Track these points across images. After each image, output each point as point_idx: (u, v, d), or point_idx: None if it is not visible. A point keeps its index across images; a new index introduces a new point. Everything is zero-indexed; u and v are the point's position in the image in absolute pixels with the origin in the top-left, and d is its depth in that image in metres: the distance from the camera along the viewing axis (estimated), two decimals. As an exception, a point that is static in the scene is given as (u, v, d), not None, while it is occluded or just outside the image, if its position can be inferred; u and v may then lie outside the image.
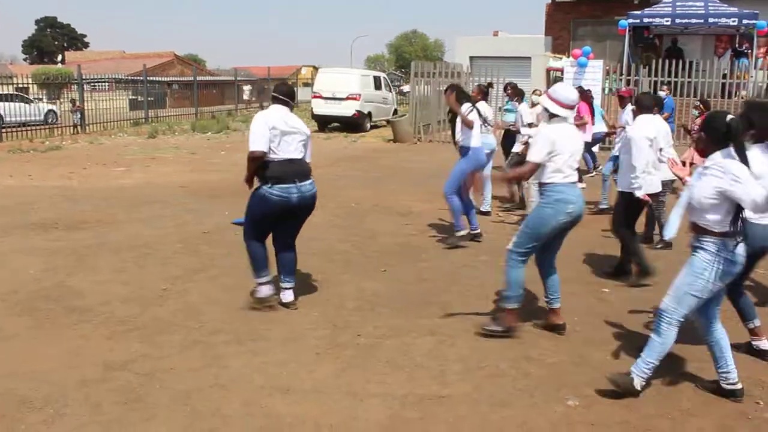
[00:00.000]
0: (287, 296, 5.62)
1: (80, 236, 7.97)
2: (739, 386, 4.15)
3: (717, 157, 3.87)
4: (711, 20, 19.08)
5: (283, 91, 5.50)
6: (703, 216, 3.89)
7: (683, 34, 21.38)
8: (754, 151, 4.23)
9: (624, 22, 19.48)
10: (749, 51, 19.37)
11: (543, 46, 23.89)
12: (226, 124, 24.68)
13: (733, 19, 18.81)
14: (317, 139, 20.35)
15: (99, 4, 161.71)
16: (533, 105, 10.81)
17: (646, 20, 19.70)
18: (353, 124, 22.57)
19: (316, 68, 46.12)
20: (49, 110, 26.04)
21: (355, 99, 22.47)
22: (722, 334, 4.16)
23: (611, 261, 7.09)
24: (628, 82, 18.39)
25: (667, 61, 18.56)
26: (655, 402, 4.11)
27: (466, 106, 7.74)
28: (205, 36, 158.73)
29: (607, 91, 18.80)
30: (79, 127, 22.47)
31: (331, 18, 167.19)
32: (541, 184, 4.97)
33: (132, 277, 6.44)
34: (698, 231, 3.94)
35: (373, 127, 23.78)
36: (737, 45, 19.96)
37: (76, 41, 79.65)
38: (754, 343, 4.78)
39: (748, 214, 3.95)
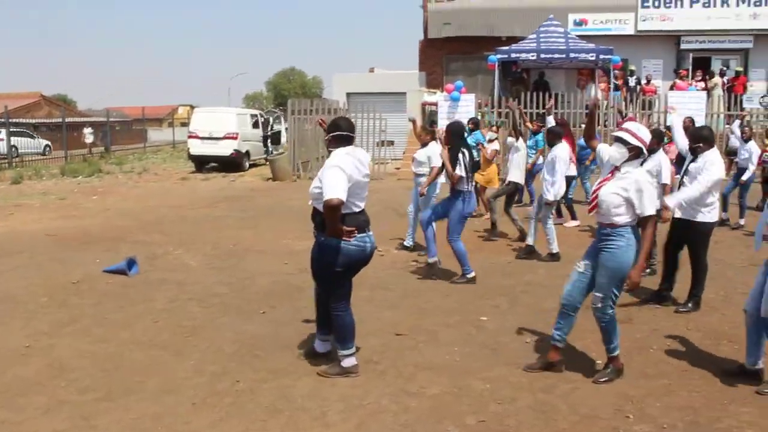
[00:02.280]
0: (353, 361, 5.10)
1: (-67, 294, 7.37)
2: None
3: None
4: (572, 55, 20.22)
5: (345, 126, 4.90)
6: None
7: (549, 68, 22.54)
8: None
9: (493, 57, 20.33)
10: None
11: (417, 82, 24.48)
12: (98, 167, 23.71)
13: (591, 54, 20.04)
14: (195, 180, 19.92)
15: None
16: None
17: (513, 55, 20.63)
18: (231, 164, 22.22)
19: (193, 107, 45.20)
20: None
21: (232, 138, 22.13)
22: None
23: (499, 289, 7.27)
24: (499, 114, 19.18)
25: (534, 94, 19.60)
26: (532, 424, 4.22)
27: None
28: (75, 76, 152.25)
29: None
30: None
31: (208, 56, 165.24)
32: (615, 226, 4.72)
33: (-9, 335, 6.00)
34: None
35: (252, 165, 23.48)
36: (609, 79, 21.20)
37: (-72, 81, 74.64)
38: None
39: None
